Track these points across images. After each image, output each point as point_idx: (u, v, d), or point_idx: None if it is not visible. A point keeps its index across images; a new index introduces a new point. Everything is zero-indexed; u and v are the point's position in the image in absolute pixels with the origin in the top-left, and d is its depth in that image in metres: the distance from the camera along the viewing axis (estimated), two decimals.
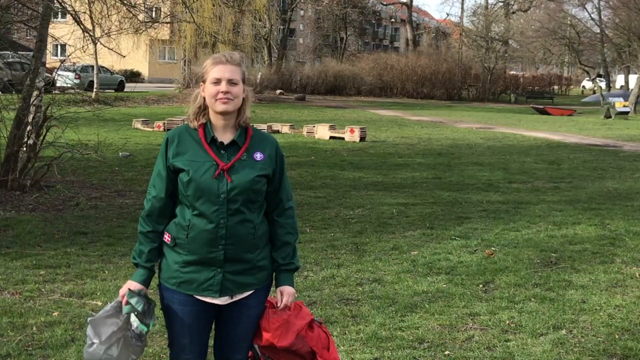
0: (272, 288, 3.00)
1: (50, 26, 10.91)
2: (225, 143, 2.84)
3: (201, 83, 2.89)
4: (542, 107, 38.94)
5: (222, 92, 2.79)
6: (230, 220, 2.78)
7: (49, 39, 11.22)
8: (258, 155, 2.87)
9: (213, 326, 2.99)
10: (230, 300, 2.86)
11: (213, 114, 2.86)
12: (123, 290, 2.85)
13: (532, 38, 55.07)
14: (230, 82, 2.80)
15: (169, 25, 29.91)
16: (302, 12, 66.33)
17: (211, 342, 3.01)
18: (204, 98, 2.86)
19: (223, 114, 2.83)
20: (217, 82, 2.80)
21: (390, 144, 18.11)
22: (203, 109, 2.88)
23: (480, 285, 5.86)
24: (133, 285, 2.86)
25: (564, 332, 4.82)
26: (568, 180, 12.40)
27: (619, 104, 36.02)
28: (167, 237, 2.87)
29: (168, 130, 18.97)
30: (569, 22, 53.69)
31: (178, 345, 2.90)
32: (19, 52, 14.42)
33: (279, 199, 2.94)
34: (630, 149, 18.61)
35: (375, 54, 51.99)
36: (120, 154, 13.63)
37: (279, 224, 2.94)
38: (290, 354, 2.95)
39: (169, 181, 2.86)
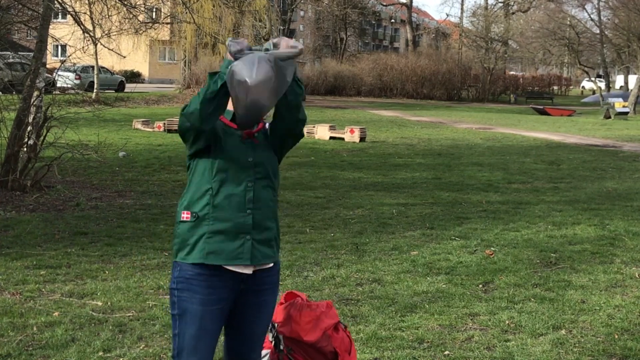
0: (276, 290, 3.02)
1: (50, 27, 10.92)
2: None
3: None
4: (541, 107, 38.96)
5: None
6: (257, 184, 2.82)
7: (50, 40, 11.24)
8: (268, 125, 3.00)
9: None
10: (254, 269, 2.85)
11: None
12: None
13: (531, 38, 55.09)
14: None
15: (169, 25, 29.93)
16: (302, 13, 66.37)
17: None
18: None
19: None
20: None
21: (390, 145, 18.12)
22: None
23: (480, 286, 5.87)
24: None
25: (563, 332, 4.83)
26: (568, 180, 12.41)
27: (619, 105, 36.07)
28: (185, 215, 2.83)
29: (168, 131, 18.99)
30: (568, 22, 53.68)
31: (188, 348, 2.80)
32: (19, 53, 14.46)
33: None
34: (629, 149, 18.62)
35: (375, 54, 51.95)
36: (120, 154, 13.64)
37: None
38: (314, 350, 2.97)
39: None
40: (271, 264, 2.92)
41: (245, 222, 2.80)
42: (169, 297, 2.92)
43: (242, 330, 2.95)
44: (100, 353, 4.25)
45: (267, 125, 3.01)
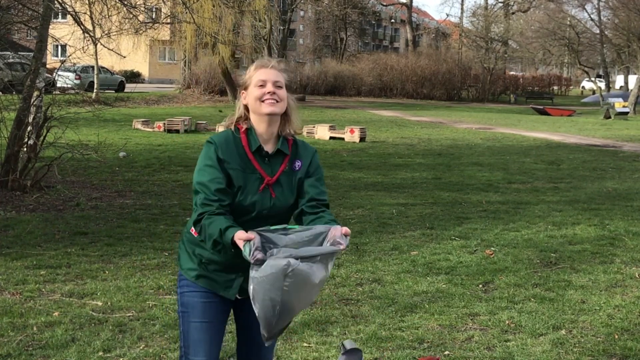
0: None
1: (50, 27, 10.92)
2: (270, 152, 2.75)
3: (242, 91, 2.79)
4: (541, 107, 38.97)
5: (268, 92, 2.71)
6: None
7: (50, 40, 11.23)
8: (297, 164, 2.79)
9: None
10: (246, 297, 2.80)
11: (257, 120, 2.75)
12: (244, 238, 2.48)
13: (531, 38, 55.10)
14: (276, 84, 2.73)
15: (169, 25, 29.92)
16: (302, 13, 66.35)
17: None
18: (246, 107, 2.77)
19: (270, 115, 2.72)
20: (263, 84, 2.72)
21: (390, 145, 18.12)
22: (244, 119, 2.79)
23: (480, 286, 5.87)
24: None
25: (563, 332, 4.83)
26: (567, 180, 12.41)
27: (619, 105, 36.07)
28: (194, 231, 2.76)
29: (168, 131, 18.99)
30: (568, 22, 53.68)
31: (194, 342, 2.80)
32: (19, 53, 14.45)
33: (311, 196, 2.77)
34: (629, 149, 18.62)
35: (375, 54, 51.98)
36: (120, 154, 13.64)
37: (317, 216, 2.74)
38: None
39: (222, 175, 2.67)
40: None
41: (242, 263, 2.62)
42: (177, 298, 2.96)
43: (250, 334, 2.94)
44: (100, 353, 4.26)
45: (296, 165, 2.77)
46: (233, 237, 2.47)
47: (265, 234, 2.48)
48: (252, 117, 2.77)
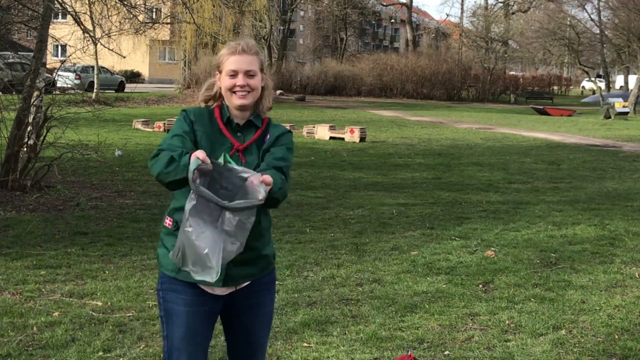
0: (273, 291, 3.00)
1: (50, 27, 10.92)
2: (240, 124, 2.74)
3: (217, 72, 2.77)
4: (541, 107, 38.97)
5: (239, 85, 2.69)
6: None
7: (50, 40, 11.23)
8: (267, 138, 2.77)
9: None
10: (231, 290, 2.71)
11: (229, 105, 2.76)
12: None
13: (531, 39, 55.08)
14: (248, 74, 2.70)
15: (169, 25, 29.94)
16: (302, 13, 66.37)
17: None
18: (220, 88, 2.76)
19: (241, 106, 2.73)
20: (234, 74, 2.70)
21: (390, 145, 18.12)
22: (218, 96, 2.78)
23: (480, 286, 5.87)
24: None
25: (563, 332, 4.83)
26: (568, 180, 12.41)
27: (619, 105, 36.06)
28: (168, 222, 2.71)
29: (168, 131, 18.96)
30: (568, 22, 53.68)
31: (178, 351, 2.69)
32: (19, 53, 14.42)
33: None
34: (629, 149, 18.62)
35: (375, 54, 51.97)
36: (116, 153, 13.64)
37: None
38: None
39: (191, 144, 2.64)
40: (250, 281, 2.76)
41: None
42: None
43: (241, 335, 2.83)
44: (100, 353, 4.25)
45: (267, 137, 2.77)
46: (190, 154, 2.43)
47: (216, 168, 2.47)
48: (226, 101, 2.77)
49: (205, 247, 2.42)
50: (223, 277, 2.60)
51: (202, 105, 2.81)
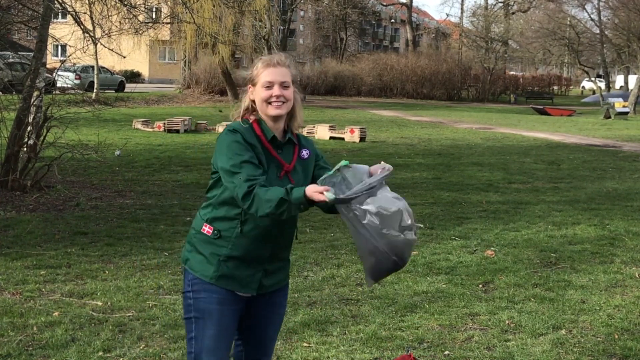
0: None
1: (50, 27, 10.92)
2: (282, 141, 2.83)
3: (250, 86, 2.84)
4: (541, 107, 38.97)
5: (275, 95, 2.77)
6: (284, 220, 2.75)
7: (50, 40, 11.23)
8: (304, 153, 2.88)
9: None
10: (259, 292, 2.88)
11: (264, 117, 2.82)
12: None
13: (531, 38, 55.04)
14: (283, 85, 2.78)
15: (169, 25, 29.92)
16: (302, 13, 66.36)
17: None
18: (253, 101, 2.83)
19: (276, 118, 2.80)
20: (270, 85, 2.77)
21: (390, 144, 18.12)
22: (251, 111, 2.84)
23: (480, 286, 5.87)
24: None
25: (563, 332, 4.83)
26: (568, 180, 12.41)
27: (619, 105, 36.06)
28: (207, 229, 2.79)
29: (168, 131, 18.98)
30: (568, 22, 53.65)
31: (208, 350, 2.80)
32: (19, 53, 14.43)
33: None
34: (629, 149, 18.62)
35: (375, 54, 51.96)
36: (115, 152, 13.64)
37: None
38: None
39: (262, 168, 2.73)
40: (279, 287, 2.98)
41: (263, 254, 2.80)
42: (182, 301, 2.93)
43: (255, 333, 2.98)
44: (100, 353, 4.26)
45: (304, 153, 2.88)
46: (304, 192, 2.52)
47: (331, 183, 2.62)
48: (260, 112, 2.83)
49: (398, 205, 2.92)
50: (257, 286, 2.81)
51: (239, 120, 2.85)
